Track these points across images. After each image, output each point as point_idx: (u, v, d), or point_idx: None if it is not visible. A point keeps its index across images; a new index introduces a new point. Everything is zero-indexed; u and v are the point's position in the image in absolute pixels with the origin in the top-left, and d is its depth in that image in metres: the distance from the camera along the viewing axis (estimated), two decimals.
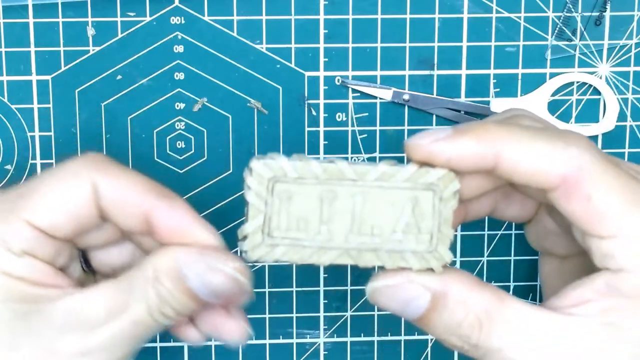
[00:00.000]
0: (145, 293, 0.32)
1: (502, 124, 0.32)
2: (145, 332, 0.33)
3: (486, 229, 0.44)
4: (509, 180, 0.33)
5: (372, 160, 0.42)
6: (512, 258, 0.44)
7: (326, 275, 0.43)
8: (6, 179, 0.42)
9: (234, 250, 0.38)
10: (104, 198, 0.32)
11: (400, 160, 0.33)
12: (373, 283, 0.32)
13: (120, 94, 0.41)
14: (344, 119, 0.42)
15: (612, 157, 0.33)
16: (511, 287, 0.44)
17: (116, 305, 0.32)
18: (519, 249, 0.44)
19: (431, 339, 0.44)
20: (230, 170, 0.42)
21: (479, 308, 0.32)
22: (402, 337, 0.44)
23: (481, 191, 0.34)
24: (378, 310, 0.44)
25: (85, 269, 0.36)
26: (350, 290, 0.44)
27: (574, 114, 0.43)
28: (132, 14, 0.41)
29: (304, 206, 0.32)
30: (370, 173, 0.32)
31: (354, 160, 0.37)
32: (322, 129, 0.42)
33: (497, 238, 0.44)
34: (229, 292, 0.32)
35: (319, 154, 0.42)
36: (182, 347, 0.43)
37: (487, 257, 0.44)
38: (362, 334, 0.44)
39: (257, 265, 0.43)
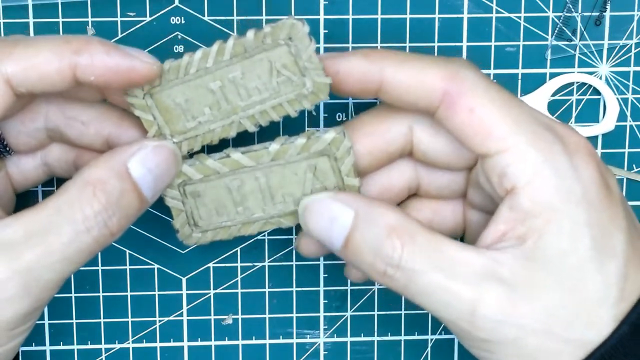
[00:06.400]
0: (80, 208, 0.32)
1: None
2: (80, 253, 0.32)
3: None
4: (394, 102, 0.34)
5: None
6: None
7: (326, 275, 0.43)
8: None
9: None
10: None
11: None
12: (303, 201, 0.35)
13: None
14: (344, 119, 0.42)
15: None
16: None
17: (38, 229, 0.32)
18: None
19: (431, 340, 0.44)
20: None
21: (402, 229, 0.32)
22: (402, 337, 0.44)
23: (378, 152, 0.35)
24: (378, 310, 0.44)
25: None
26: (350, 290, 0.44)
27: (574, 114, 0.43)
28: (132, 14, 0.41)
29: (216, 197, 0.36)
30: (264, 156, 0.35)
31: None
32: (322, 129, 0.42)
33: None
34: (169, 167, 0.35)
35: None
36: (182, 347, 0.43)
37: None
38: (362, 334, 0.44)
39: (257, 265, 0.43)
